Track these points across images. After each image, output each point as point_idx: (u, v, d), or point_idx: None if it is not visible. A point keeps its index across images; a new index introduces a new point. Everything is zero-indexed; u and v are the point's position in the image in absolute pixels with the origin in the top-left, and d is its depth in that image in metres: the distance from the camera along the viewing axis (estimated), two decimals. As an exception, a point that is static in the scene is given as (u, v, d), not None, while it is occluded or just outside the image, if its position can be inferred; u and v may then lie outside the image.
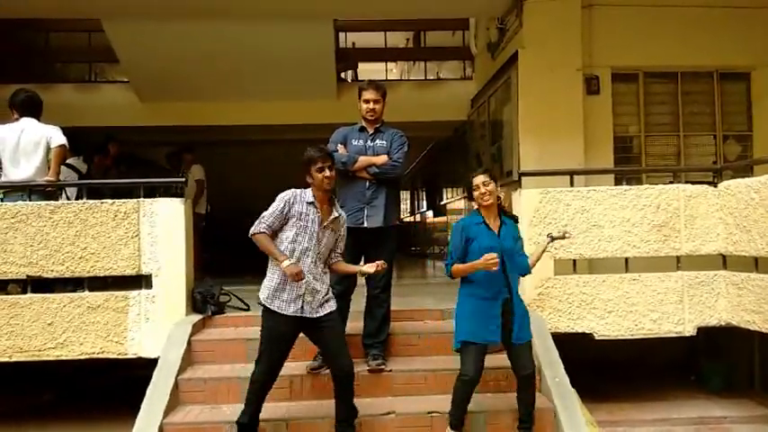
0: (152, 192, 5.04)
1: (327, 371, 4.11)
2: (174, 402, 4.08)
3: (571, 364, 4.27)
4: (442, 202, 11.82)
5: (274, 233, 3.59)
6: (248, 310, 5.09)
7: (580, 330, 4.76)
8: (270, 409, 3.74)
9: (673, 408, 5.04)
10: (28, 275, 4.56)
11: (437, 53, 10.95)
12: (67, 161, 5.62)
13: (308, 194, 3.64)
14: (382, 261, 3.68)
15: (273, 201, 3.67)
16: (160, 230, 4.64)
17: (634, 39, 6.75)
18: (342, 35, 9.73)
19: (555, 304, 4.77)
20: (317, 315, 3.61)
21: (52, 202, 4.73)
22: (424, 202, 14.73)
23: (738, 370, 5.63)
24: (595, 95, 6.75)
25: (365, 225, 4.20)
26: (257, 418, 3.67)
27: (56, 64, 9.99)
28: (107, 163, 7.09)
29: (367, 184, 4.26)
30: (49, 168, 4.86)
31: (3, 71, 8.08)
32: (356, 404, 3.77)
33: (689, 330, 4.78)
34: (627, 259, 4.86)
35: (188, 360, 4.40)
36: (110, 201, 4.66)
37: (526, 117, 6.63)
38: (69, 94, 8.83)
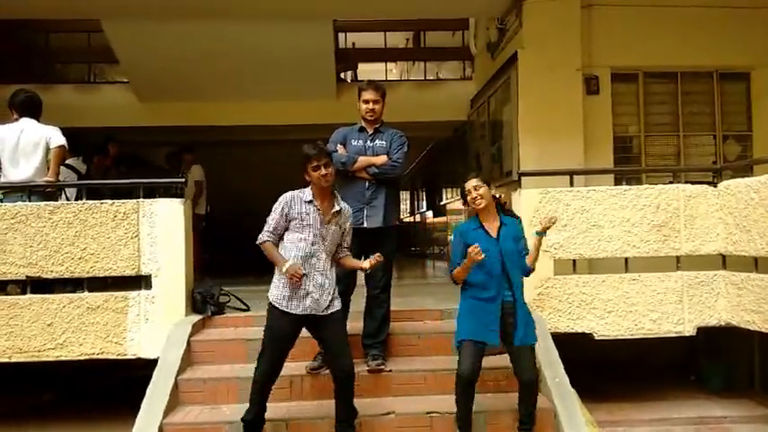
0: (152, 192, 5.04)
1: (327, 371, 4.11)
2: (174, 403, 4.08)
3: (571, 364, 4.27)
4: (441, 203, 11.82)
5: (280, 237, 3.63)
6: (248, 310, 5.09)
7: (580, 330, 4.76)
8: (270, 409, 3.74)
9: (673, 408, 5.03)
10: (27, 276, 4.56)
11: (437, 53, 10.94)
12: (67, 161, 5.62)
13: (307, 193, 3.64)
14: (378, 254, 3.66)
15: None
16: (160, 231, 4.64)
17: (634, 39, 6.75)
18: (341, 35, 9.72)
19: (555, 304, 4.77)
20: (324, 313, 3.61)
21: (52, 202, 4.73)
22: (424, 203, 14.73)
23: (738, 370, 5.63)
24: (595, 95, 6.75)
25: (365, 225, 4.20)
26: (262, 416, 3.68)
27: (55, 64, 9.98)
28: (107, 163, 7.09)
29: (366, 184, 4.26)
30: (48, 169, 4.87)
31: (3, 71, 8.08)
32: (356, 404, 3.77)
33: (689, 330, 4.78)
34: (627, 259, 4.87)
35: (188, 360, 4.40)
36: (109, 201, 4.66)
37: (526, 117, 6.62)
38: (69, 95, 8.82)
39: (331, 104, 8.73)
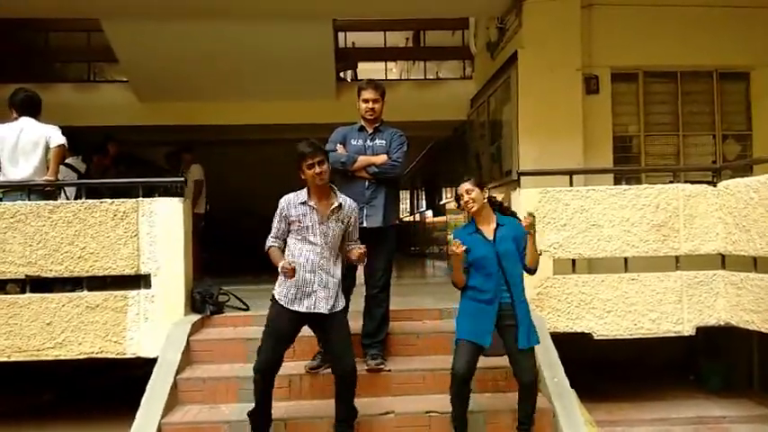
0: (151, 191, 5.04)
1: (326, 370, 4.11)
2: (173, 402, 4.08)
3: (570, 363, 4.27)
4: (441, 202, 11.82)
5: (285, 241, 3.66)
6: (247, 309, 5.09)
7: (579, 330, 4.76)
8: (269, 408, 3.74)
9: (672, 407, 5.04)
10: (27, 275, 4.56)
11: (437, 53, 10.94)
12: (66, 161, 5.62)
13: (302, 194, 3.64)
14: (363, 247, 3.63)
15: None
16: (159, 230, 4.64)
17: (634, 38, 6.75)
18: (341, 35, 9.72)
19: (554, 304, 4.77)
20: (328, 312, 3.59)
21: (51, 201, 4.73)
22: (424, 202, 14.73)
23: (737, 370, 5.63)
24: (595, 95, 6.75)
25: (364, 225, 4.19)
26: (269, 412, 3.67)
27: (55, 63, 9.98)
28: (106, 163, 7.09)
29: (366, 183, 4.26)
30: (47, 168, 4.87)
31: (2, 70, 8.08)
32: (355, 404, 3.76)
33: (688, 330, 4.78)
34: (626, 259, 4.87)
35: (187, 360, 4.40)
36: (109, 200, 4.66)
37: (525, 117, 6.63)
38: (68, 94, 8.83)
39: (331, 104, 8.73)
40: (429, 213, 13.71)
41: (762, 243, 4.36)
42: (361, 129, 4.39)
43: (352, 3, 7.61)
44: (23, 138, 4.84)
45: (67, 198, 5.25)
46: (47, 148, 4.87)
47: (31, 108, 4.99)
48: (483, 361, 4.03)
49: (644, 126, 6.97)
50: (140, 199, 4.68)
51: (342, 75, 9.79)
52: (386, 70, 11.84)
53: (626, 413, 4.89)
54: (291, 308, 3.58)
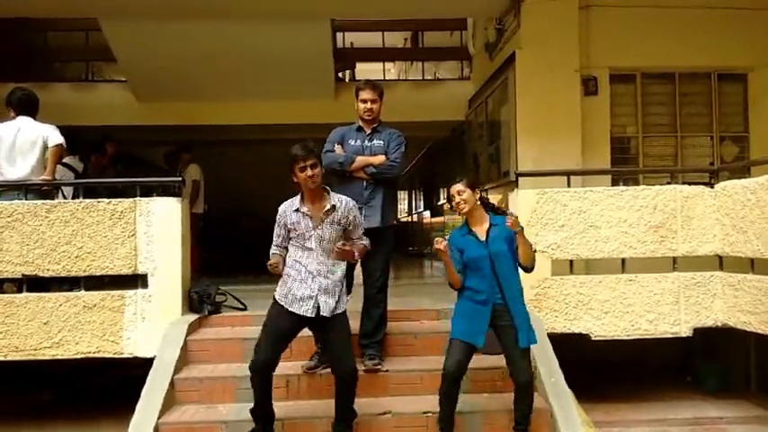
0: (149, 191, 5.04)
1: (324, 371, 4.12)
2: (170, 402, 4.07)
3: (567, 364, 4.27)
4: (439, 203, 11.82)
5: (287, 248, 3.68)
6: (245, 309, 5.08)
7: (577, 331, 4.77)
8: (266, 408, 3.73)
9: (669, 408, 5.05)
10: (24, 274, 4.55)
11: (435, 53, 10.94)
12: (63, 160, 5.61)
13: (296, 201, 3.63)
14: (341, 242, 3.60)
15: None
16: (156, 230, 4.63)
17: (632, 39, 6.75)
18: (339, 35, 9.72)
19: (551, 305, 4.77)
20: (329, 314, 3.59)
21: (48, 201, 4.73)
22: (422, 202, 14.74)
23: (734, 371, 5.64)
24: (593, 96, 6.75)
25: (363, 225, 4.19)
26: (269, 410, 3.66)
27: (53, 63, 9.96)
28: (104, 162, 7.07)
29: (364, 184, 4.26)
30: (45, 167, 4.86)
31: (0, 70, 8.07)
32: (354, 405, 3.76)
33: (685, 331, 4.79)
34: (623, 260, 4.87)
35: (184, 359, 4.40)
36: (106, 200, 4.65)
37: (524, 117, 6.63)
38: (66, 93, 8.81)
39: (329, 104, 8.73)
40: (427, 214, 13.71)
41: (759, 244, 4.37)
42: (360, 129, 4.39)
43: (350, 3, 7.61)
44: (21, 137, 4.84)
45: (65, 197, 5.25)
46: (44, 148, 4.86)
47: (29, 107, 4.98)
48: (480, 361, 4.05)
49: (642, 127, 6.97)
50: (138, 198, 4.67)
51: (340, 75, 9.78)
52: (384, 70, 11.82)
53: (623, 414, 4.90)
54: (290, 309, 3.58)
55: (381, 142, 4.33)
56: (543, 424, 3.95)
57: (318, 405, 3.97)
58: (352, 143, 4.33)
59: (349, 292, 4.26)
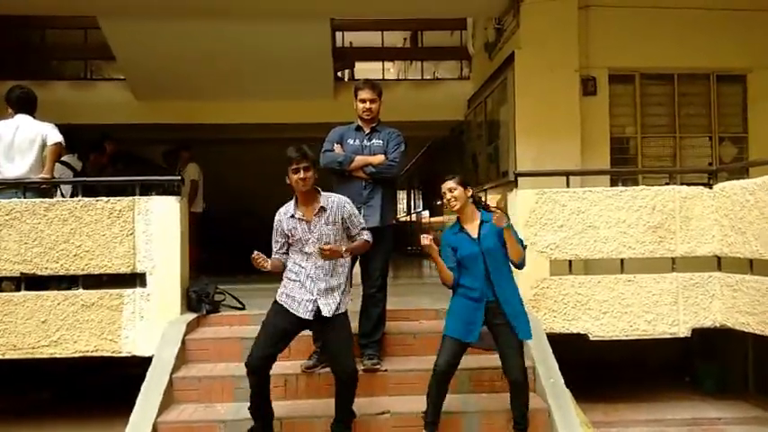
0: (148, 190, 5.03)
1: (322, 370, 4.12)
2: (169, 401, 4.07)
3: (566, 364, 4.28)
4: (438, 202, 11.82)
5: (287, 253, 3.70)
6: (243, 309, 5.08)
7: (575, 331, 4.77)
8: (264, 407, 3.73)
9: (667, 409, 5.05)
10: (22, 273, 4.54)
11: (434, 53, 10.94)
12: (62, 158, 5.61)
13: (290, 207, 3.64)
14: (323, 243, 3.56)
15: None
16: (155, 228, 4.63)
17: (631, 40, 6.76)
18: (339, 34, 9.72)
19: (550, 305, 4.77)
20: (329, 315, 3.59)
21: (47, 199, 4.71)
22: (421, 202, 14.74)
23: (733, 371, 5.65)
24: (592, 96, 6.75)
25: (362, 224, 4.19)
26: (267, 409, 3.66)
27: (52, 61, 9.94)
28: (103, 161, 7.06)
29: (363, 183, 4.25)
30: (43, 166, 4.85)
31: (-1, 68, 8.07)
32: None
33: (683, 332, 4.79)
34: (622, 260, 4.88)
35: (182, 359, 4.39)
36: (105, 198, 4.64)
37: (523, 117, 6.63)
38: (65, 92, 8.79)
39: (329, 103, 8.72)
40: (426, 213, 13.71)
41: (757, 245, 4.38)
42: (359, 128, 4.39)
43: (350, 2, 7.61)
44: (19, 135, 4.83)
45: (63, 196, 5.24)
46: (43, 146, 4.86)
47: (27, 105, 4.98)
48: (480, 361, 4.05)
49: (641, 128, 6.97)
50: (136, 197, 4.67)
51: (339, 74, 9.78)
52: (383, 70, 11.82)
53: (621, 414, 4.90)
54: (291, 310, 3.59)
55: (380, 142, 4.33)
56: (541, 424, 3.95)
57: (317, 404, 3.97)
58: (351, 143, 4.33)
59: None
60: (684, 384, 5.70)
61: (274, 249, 3.70)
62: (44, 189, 4.90)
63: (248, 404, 3.65)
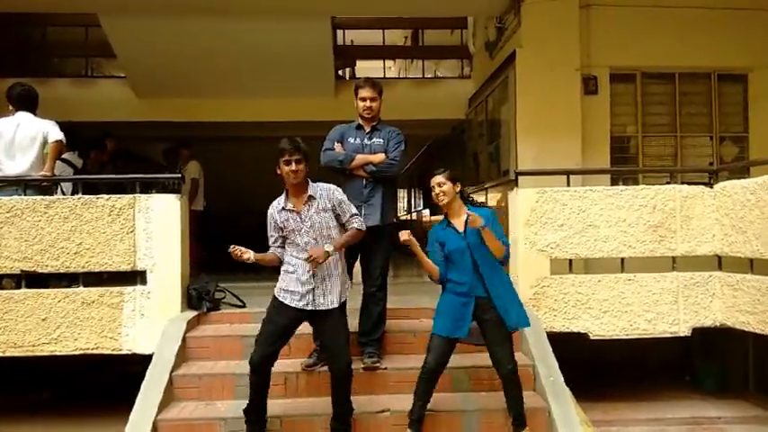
0: (148, 187, 5.03)
1: (323, 368, 4.11)
2: (169, 398, 4.07)
3: (566, 363, 4.28)
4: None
5: (283, 246, 3.72)
6: (243, 306, 5.08)
7: (575, 330, 4.77)
8: (264, 405, 3.73)
9: (667, 408, 5.05)
10: (22, 270, 4.55)
11: (435, 51, 10.93)
12: (63, 156, 5.61)
13: (282, 199, 3.67)
14: (314, 250, 3.55)
15: (270, 199, 3.76)
16: (155, 226, 4.63)
17: (632, 39, 6.75)
18: (340, 32, 9.71)
19: (550, 304, 4.77)
20: (325, 308, 3.61)
21: (47, 196, 4.71)
22: (421, 201, 14.73)
23: (733, 371, 5.65)
24: (593, 95, 6.74)
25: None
26: (262, 409, 3.67)
27: (52, 58, 9.94)
28: (104, 158, 7.07)
29: (364, 182, 4.25)
30: (44, 163, 4.85)
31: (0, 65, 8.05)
32: (352, 402, 3.76)
33: (684, 331, 4.79)
34: (623, 259, 4.87)
35: (182, 356, 4.39)
36: (105, 196, 4.64)
37: (524, 116, 6.62)
38: (65, 89, 8.80)
39: (329, 102, 8.73)
40: (426, 212, 13.70)
41: (758, 245, 4.37)
42: (359, 127, 4.38)
43: (351, 1, 7.60)
44: (20, 133, 4.83)
45: (64, 193, 5.24)
46: (44, 144, 4.86)
47: (28, 103, 4.98)
48: (479, 360, 4.05)
49: (642, 127, 6.96)
50: (137, 195, 4.67)
51: (340, 72, 9.77)
52: (384, 68, 11.82)
53: (621, 413, 4.90)
54: (287, 303, 3.61)
55: (381, 140, 4.33)
56: (541, 423, 3.95)
57: (317, 402, 3.97)
58: (352, 141, 4.33)
59: (348, 289, 4.26)
60: (685, 383, 5.70)
61: (270, 244, 3.74)
62: (45, 186, 4.90)
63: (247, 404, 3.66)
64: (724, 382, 5.56)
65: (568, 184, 5.00)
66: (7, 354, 4.46)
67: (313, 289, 3.59)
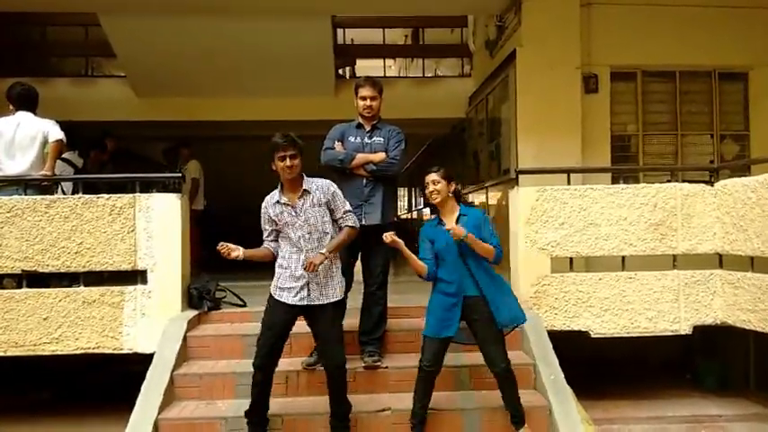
0: (148, 187, 5.03)
1: (323, 367, 4.11)
2: (170, 398, 4.07)
3: (567, 361, 4.28)
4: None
5: (277, 240, 3.72)
6: (244, 306, 5.08)
7: (576, 328, 4.77)
8: (265, 404, 3.73)
9: (668, 406, 5.05)
10: (23, 270, 4.55)
11: (435, 50, 10.92)
12: (63, 155, 5.60)
13: (276, 193, 3.67)
14: (311, 257, 3.56)
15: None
16: (156, 226, 4.63)
17: (633, 37, 6.75)
18: (340, 31, 9.71)
19: (551, 302, 4.77)
20: (319, 303, 3.62)
21: (48, 196, 4.71)
22: (422, 200, 14.72)
23: (734, 369, 5.64)
24: (594, 94, 6.75)
25: (363, 222, 4.18)
26: (265, 409, 3.68)
27: (52, 58, 9.94)
28: (104, 158, 7.06)
29: (364, 181, 4.25)
30: (44, 163, 4.85)
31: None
32: (352, 401, 3.77)
33: (685, 329, 4.79)
34: (623, 258, 4.87)
35: (183, 356, 4.39)
36: (106, 195, 4.64)
37: (524, 115, 6.62)
38: (65, 89, 8.81)
39: (329, 101, 8.73)
40: (426, 211, 13.70)
41: (759, 243, 4.37)
42: (359, 126, 4.38)
43: (351, 0, 7.59)
44: (20, 132, 4.83)
45: (64, 193, 5.24)
46: (44, 143, 4.86)
47: (29, 102, 4.97)
48: (478, 358, 4.04)
49: (642, 125, 6.97)
50: (137, 194, 4.66)
51: (340, 71, 9.77)
52: (384, 67, 11.81)
53: (622, 411, 4.90)
54: (281, 299, 3.62)
55: (381, 139, 4.32)
56: (542, 421, 3.95)
57: (318, 401, 3.96)
58: (352, 140, 4.32)
59: (349, 289, 4.25)
60: (685, 381, 5.70)
61: (264, 238, 3.73)
62: (45, 186, 4.90)
63: (248, 404, 3.66)
64: (725, 380, 5.56)
65: (569, 183, 4.99)
66: (8, 353, 4.46)
67: (307, 283, 3.60)
